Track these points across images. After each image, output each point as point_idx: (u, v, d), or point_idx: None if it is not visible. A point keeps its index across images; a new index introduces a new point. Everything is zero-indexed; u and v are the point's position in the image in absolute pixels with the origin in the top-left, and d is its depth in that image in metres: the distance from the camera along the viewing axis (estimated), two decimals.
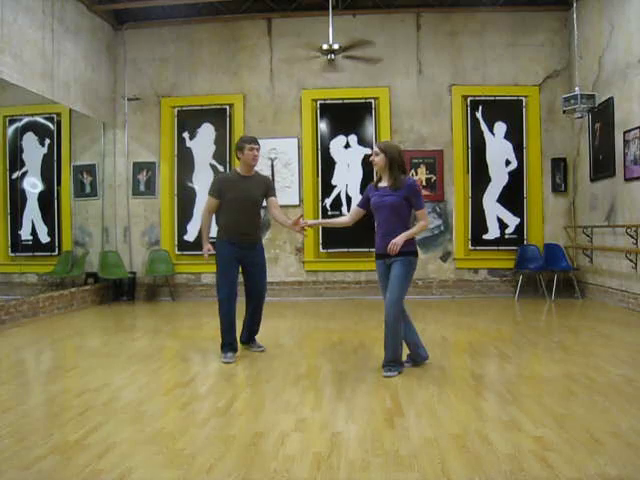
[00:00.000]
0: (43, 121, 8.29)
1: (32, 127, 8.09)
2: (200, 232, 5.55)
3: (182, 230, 9.41)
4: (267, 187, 5.04)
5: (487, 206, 9.10)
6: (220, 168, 9.36)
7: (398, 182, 4.21)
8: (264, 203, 5.07)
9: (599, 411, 3.27)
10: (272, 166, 9.25)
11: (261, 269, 5.03)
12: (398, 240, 4.13)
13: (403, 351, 4.34)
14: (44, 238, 8.19)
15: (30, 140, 8.06)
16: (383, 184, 4.32)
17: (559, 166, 9.05)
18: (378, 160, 4.28)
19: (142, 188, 9.55)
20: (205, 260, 5.21)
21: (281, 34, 9.37)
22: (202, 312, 7.96)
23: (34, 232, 8.09)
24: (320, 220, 4.74)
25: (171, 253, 9.36)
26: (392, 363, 4.21)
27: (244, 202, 4.84)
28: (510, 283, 9.02)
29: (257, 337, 5.28)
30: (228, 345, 4.82)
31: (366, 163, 9.17)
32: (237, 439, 2.93)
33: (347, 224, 4.68)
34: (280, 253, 9.25)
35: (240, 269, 4.94)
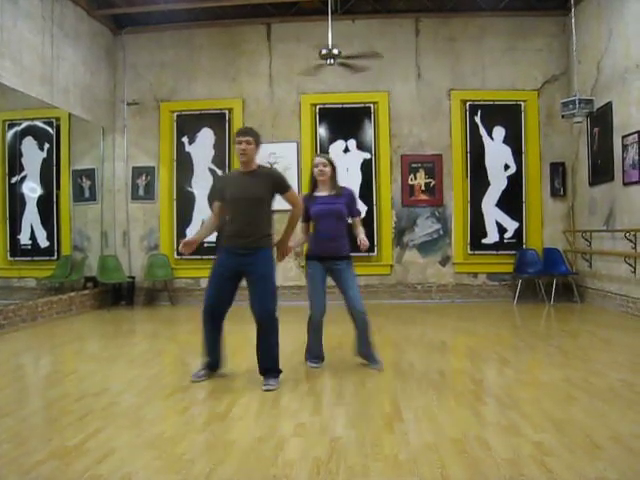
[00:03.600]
0: (42, 125, 8.29)
1: (31, 131, 8.10)
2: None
3: (181, 234, 9.38)
4: (272, 180, 4.33)
5: (486, 210, 9.10)
6: (219, 172, 9.37)
7: (340, 190, 4.63)
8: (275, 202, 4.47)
9: (599, 416, 3.27)
10: None
11: (262, 281, 4.22)
12: (364, 236, 4.57)
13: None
14: (43, 242, 8.18)
15: (29, 144, 8.06)
16: (323, 193, 4.62)
17: (558, 170, 9.06)
18: (327, 171, 4.58)
19: (141, 192, 9.55)
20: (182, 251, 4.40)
21: (280, 39, 9.40)
22: (201, 317, 7.93)
23: (33, 236, 8.08)
24: (295, 242, 4.68)
25: (170, 257, 9.36)
26: (376, 360, 4.60)
27: (240, 200, 4.21)
28: (509, 287, 9.02)
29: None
30: (203, 362, 4.39)
31: (365, 167, 9.20)
32: (236, 444, 2.93)
33: (306, 240, 4.85)
34: None
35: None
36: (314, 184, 4.68)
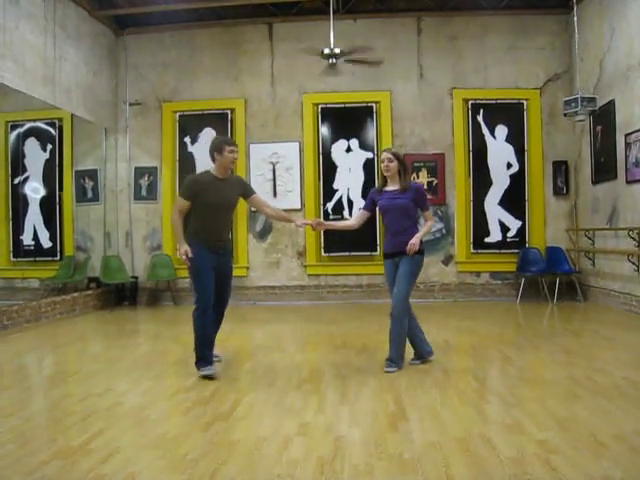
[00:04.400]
0: (45, 126, 8.31)
1: (34, 132, 8.11)
2: (175, 234, 4.86)
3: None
4: (244, 187, 4.74)
5: (489, 209, 9.09)
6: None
7: (407, 186, 4.56)
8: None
9: (603, 414, 3.26)
10: (274, 170, 9.27)
11: (231, 276, 4.80)
12: (415, 240, 4.39)
13: (409, 349, 4.52)
14: (46, 243, 8.20)
15: (32, 145, 8.08)
16: (390, 188, 4.61)
17: (560, 169, 9.05)
18: (393, 166, 4.56)
19: (144, 193, 9.56)
20: (184, 262, 4.56)
21: (282, 39, 9.40)
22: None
23: (36, 237, 8.09)
24: (331, 222, 4.85)
25: (173, 257, 9.36)
26: (395, 358, 4.43)
27: (221, 206, 4.48)
28: (512, 286, 9.01)
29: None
30: (205, 359, 4.45)
31: (368, 167, 9.19)
32: (240, 443, 2.93)
33: (353, 227, 4.96)
34: (282, 257, 9.25)
35: None
36: (384, 179, 4.71)
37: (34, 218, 8.07)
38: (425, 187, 9.09)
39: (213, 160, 4.55)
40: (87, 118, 8.68)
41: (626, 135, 7.25)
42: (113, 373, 4.64)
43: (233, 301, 9.09)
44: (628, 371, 4.26)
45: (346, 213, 9.09)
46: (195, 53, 9.51)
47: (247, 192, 4.73)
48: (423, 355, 4.67)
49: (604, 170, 7.95)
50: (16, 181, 7.75)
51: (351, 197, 9.18)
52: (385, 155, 4.61)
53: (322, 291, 9.13)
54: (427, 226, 4.64)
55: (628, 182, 7.29)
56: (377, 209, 4.74)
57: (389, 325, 4.45)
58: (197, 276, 4.52)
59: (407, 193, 4.51)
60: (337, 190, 9.22)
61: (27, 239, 7.99)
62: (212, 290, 4.52)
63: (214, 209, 4.46)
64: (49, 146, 8.25)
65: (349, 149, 9.24)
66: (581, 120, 7.71)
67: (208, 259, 4.45)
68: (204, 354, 4.47)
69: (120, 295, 9.23)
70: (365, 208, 4.79)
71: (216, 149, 4.50)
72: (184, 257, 4.45)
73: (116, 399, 3.81)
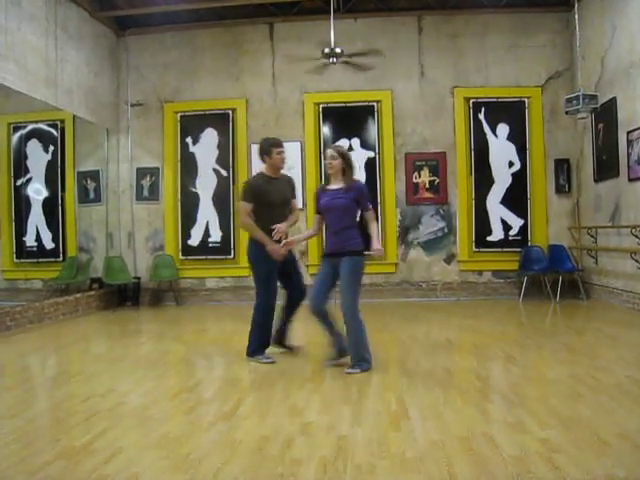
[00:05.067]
0: (47, 128, 8.33)
1: (36, 134, 8.13)
2: (253, 237, 4.82)
3: (186, 235, 9.42)
4: (292, 187, 5.06)
5: (491, 208, 9.08)
6: (223, 173, 9.38)
7: (351, 184, 4.50)
8: None
9: (606, 412, 3.26)
10: None
11: (299, 266, 5.14)
12: (378, 245, 4.47)
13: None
14: (49, 244, 8.22)
15: (34, 147, 8.10)
16: (334, 186, 4.54)
17: (562, 167, 9.04)
18: (336, 164, 4.49)
19: (146, 193, 9.57)
20: (282, 256, 4.72)
21: (283, 38, 9.40)
22: (207, 316, 7.98)
23: (39, 238, 8.11)
24: (294, 238, 4.79)
25: (175, 258, 9.38)
26: (355, 361, 4.40)
27: (279, 203, 4.82)
28: (514, 285, 9.00)
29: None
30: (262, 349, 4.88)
31: (369, 166, 9.19)
32: (243, 443, 2.93)
33: (316, 234, 5.00)
34: None
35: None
36: (328, 177, 4.70)
37: (37, 219, 8.09)
38: (427, 186, 9.11)
39: (263, 161, 4.86)
40: (89, 119, 8.69)
41: (628, 132, 7.24)
42: (116, 373, 4.65)
43: (235, 301, 9.19)
44: (631, 369, 4.25)
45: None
46: (196, 53, 9.51)
47: (292, 194, 5.01)
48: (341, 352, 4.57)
49: (606, 168, 7.93)
50: (18, 183, 7.77)
51: None
52: (329, 152, 4.55)
53: None
54: (373, 227, 4.54)
55: (630, 180, 7.27)
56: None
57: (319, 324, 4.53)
58: (267, 278, 4.79)
59: (350, 192, 4.44)
60: None
61: (30, 240, 8.01)
62: (277, 289, 4.89)
63: (274, 207, 4.76)
64: (51, 147, 8.27)
65: (351, 148, 9.22)
66: (583, 118, 7.69)
67: (274, 259, 4.71)
68: (265, 341, 4.88)
69: (123, 296, 9.25)
70: (317, 212, 4.66)
71: (265, 152, 4.80)
72: (283, 251, 4.70)
73: (119, 399, 3.81)
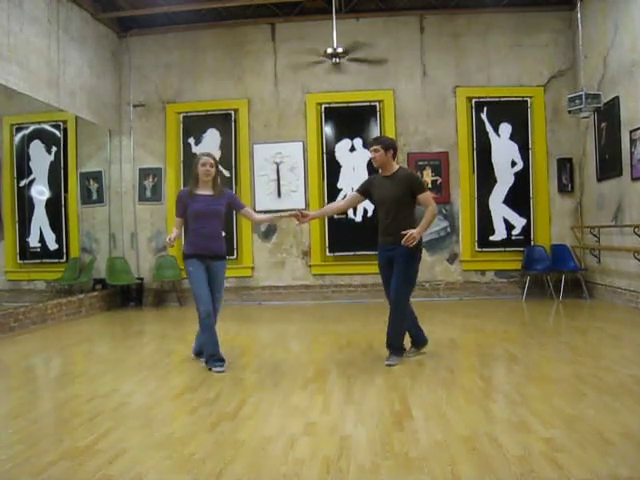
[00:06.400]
0: (50, 129, 8.35)
1: (39, 135, 8.15)
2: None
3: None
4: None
5: (493, 207, 9.07)
6: (226, 173, 9.39)
7: (220, 191, 4.78)
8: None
9: (609, 412, 3.26)
10: (277, 170, 9.27)
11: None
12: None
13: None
14: (52, 245, 8.24)
15: (37, 148, 8.12)
16: (202, 192, 4.69)
17: (565, 166, 9.02)
18: (213, 171, 4.69)
19: (148, 194, 9.58)
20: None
21: (285, 39, 9.40)
22: None
23: (42, 239, 8.13)
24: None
25: (178, 258, 9.38)
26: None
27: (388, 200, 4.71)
28: (517, 284, 8.99)
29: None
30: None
31: (371, 166, 9.16)
32: (246, 443, 2.94)
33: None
34: (287, 257, 9.26)
35: None
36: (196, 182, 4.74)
37: (40, 220, 8.11)
38: (429, 186, 9.11)
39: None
40: (91, 120, 8.70)
41: (631, 131, 7.22)
42: (119, 374, 4.65)
43: (238, 302, 9.19)
44: (634, 369, 4.24)
45: (350, 212, 9.07)
46: (198, 54, 9.52)
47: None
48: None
49: (609, 167, 7.92)
50: (22, 184, 7.79)
51: None
52: (205, 159, 4.68)
53: (327, 291, 9.13)
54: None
55: (633, 179, 7.26)
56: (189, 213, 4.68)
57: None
58: None
59: (221, 199, 4.68)
60: (341, 189, 9.21)
61: (33, 241, 8.03)
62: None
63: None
64: (54, 148, 8.29)
65: (353, 148, 9.23)
66: (585, 117, 7.69)
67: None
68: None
69: (126, 296, 9.26)
70: (178, 215, 4.81)
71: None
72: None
73: (122, 400, 3.82)
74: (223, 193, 4.78)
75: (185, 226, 4.81)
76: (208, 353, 4.63)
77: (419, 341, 4.92)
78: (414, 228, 4.47)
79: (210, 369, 4.56)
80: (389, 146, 4.61)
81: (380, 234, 4.73)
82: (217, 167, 4.75)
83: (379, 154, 4.59)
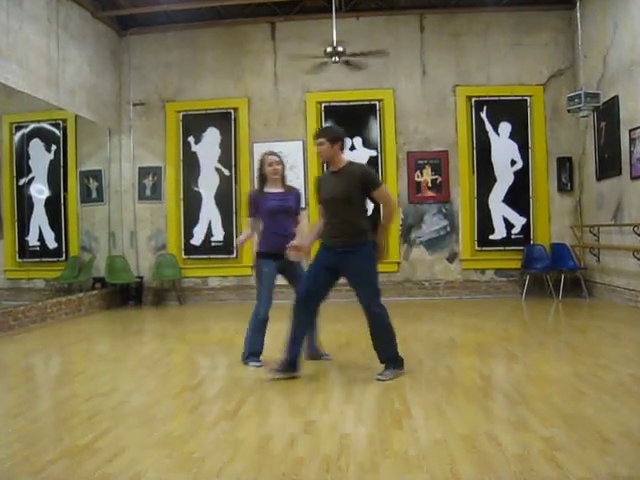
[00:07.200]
0: (49, 127, 8.34)
1: (38, 133, 8.14)
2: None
3: (188, 234, 9.43)
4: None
5: (493, 206, 9.08)
6: (225, 172, 9.39)
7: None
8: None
9: (608, 411, 3.26)
10: None
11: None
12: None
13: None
14: (51, 244, 8.23)
15: (36, 146, 8.11)
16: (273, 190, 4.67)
17: (565, 165, 9.02)
18: (281, 169, 4.72)
19: (148, 193, 9.58)
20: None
21: (285, 38, 9.39)
22: (209, 316, 7.98)
23: (41, 238, 8.13)
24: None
25: (178, 257, 9.39)
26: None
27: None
28: (517, 283, 8.99)
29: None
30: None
31: (372, 165, 9.17)
32: (246, 442, 2.93)
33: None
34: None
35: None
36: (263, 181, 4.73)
37: (39, 219, 8.10)
38: (429, 185, 9.12)
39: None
40: (91, 119, 8.70)
41: (630, 131, 7.22)
42: (119, 373, 4.66)
43: (238, 300, 9.19)
44: (634, 368, 4.24)
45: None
46: (198, 53, 9.52)
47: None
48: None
49: (608, 166, 7.92)
50: (21, 182, 7.78)
51: None
52: (272, 159, 4.73)
53: None
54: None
55: (633, 178, 7.26)
56: None
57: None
58: None
59: (291, 195, 4.73)
60: None
61: (32, 240, 8.02)
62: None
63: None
64: (53, 147, 8.28)
65: (353, 147, 9.23)
66: (585, 116, 7.68)
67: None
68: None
69: (125, 295, 9.27)
70: (250, 215, 4.79)
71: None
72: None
73: (122, 398, 3.82)
74: (292, 190, 4.76)
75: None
76: (253, 350, 4.62)
77: (293, 357, 4.22)
78: (365, 229, 4.10)
79: (247, 364, 4.59)
80: (336, 138, 4.12)
81: (325, 235, 4.19)
82: (283, 164, 4.75)
83: (324, 147, 4.11)
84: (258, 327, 4.65)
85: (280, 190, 4.67)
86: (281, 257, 4.43)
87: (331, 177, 4.21)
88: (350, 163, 4.19)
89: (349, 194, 4.03)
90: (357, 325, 6.72)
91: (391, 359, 4.21)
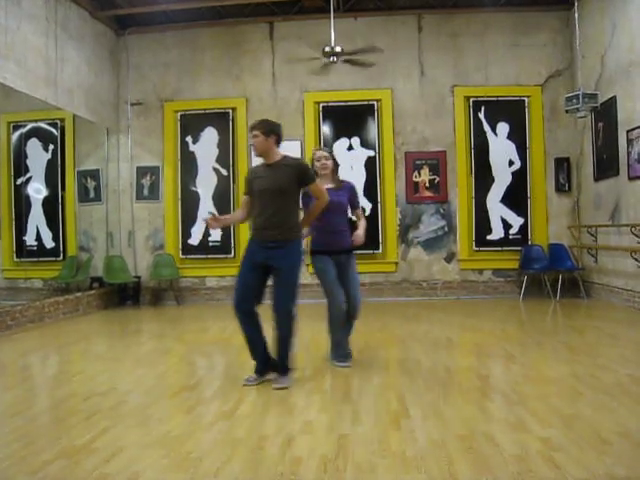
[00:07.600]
0: (47, 127, 8.32)
1: (36, 133, 8.13)
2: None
3: (186, 234, 9.42)
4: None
5: (491, 207, 9.08)
6: (223, 172, 9.38)
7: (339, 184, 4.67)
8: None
9: (606, 411, 3.26)
10: None
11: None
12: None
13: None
14: (49, 243, 8.22)
15: (34, 146, 8.09)
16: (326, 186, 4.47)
17: (562, 166, 9.03)
18: (330, 164, 4.61)
19: (146, 192, 9.57)
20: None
21: (283, 37, 9.39)
22: (207, 315, 7.97)
23: (39, 237, 8.12)
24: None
25: (175, 257, 9.38)
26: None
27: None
28: (515, 283, 9.00)
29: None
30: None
31: (369, 165, 9.19)
32: (243, 442, 2.93)
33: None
34: None
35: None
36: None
37: (37, 218, 8.09)
38: (427, 185, 9.12)
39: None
40: (89, 118, 8.68)
41: (628, 131, 7.24)
42: (116, 372, 4.65)
43: None
44: (631, 368, 4.25)
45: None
46: (196, 53, 9.51)
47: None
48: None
49: (606, 166, 7.93)
50: (19, 182, 7.77)
51: None
52: (319, 154, 4.67)
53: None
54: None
55: (630, 178, 7.27)
56: None
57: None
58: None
59: (342, 190, 4.66)
60: None
61: (30, 239, 8.01)
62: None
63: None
64: (51, 146, 8.27)
65: (351, 147, 9.23)
66: (583, 116, 7.68)
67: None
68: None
69: (123, 295, 9.25)
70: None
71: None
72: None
73: (120, 398, 3.81)
74: (343, 185, 4.65)
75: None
76: (342, 351, 4.60)
77: (260, 363, 4.18)
78: (296, 225, 4.11)
79: (335, 364, 4.55)
80: (271, 131, 4.16)
81: (256, 228, 4.10)
82: (334, 159, 4.65)
83: (258, 140, 4.10)
84: (339, 323, 4.63)
85: (330, 185, 4.53)
86: (335, 253, 4.52)
87: (265, 170, 4.14)
88: (286, 157, 4.21)
89: (284, 186, 4.01)
90: (356, 325, 6.73)
91: (287, 366, 4.12)
